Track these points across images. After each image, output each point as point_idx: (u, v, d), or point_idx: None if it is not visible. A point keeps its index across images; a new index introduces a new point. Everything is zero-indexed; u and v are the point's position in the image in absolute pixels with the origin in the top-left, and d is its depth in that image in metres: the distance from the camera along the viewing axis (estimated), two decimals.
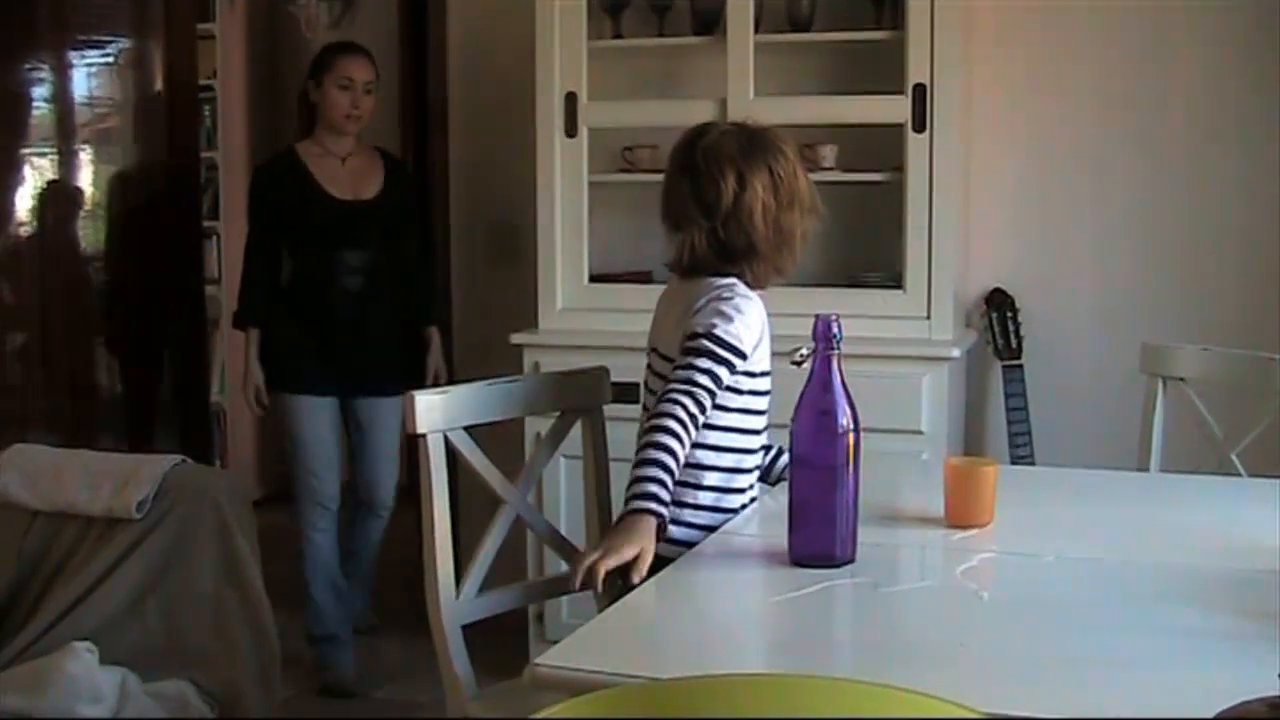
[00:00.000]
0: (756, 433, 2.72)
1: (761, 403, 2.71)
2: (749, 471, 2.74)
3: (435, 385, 4.21)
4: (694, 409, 2.49)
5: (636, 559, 2.27)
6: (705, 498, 2.69)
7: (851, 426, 2.28)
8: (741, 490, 2.73)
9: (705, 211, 2.65)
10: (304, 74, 4.50)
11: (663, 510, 2.38)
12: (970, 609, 2.12)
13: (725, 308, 2.59)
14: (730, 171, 2.63)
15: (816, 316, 2.29)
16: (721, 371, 2.54)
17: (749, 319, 2.60)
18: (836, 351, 2.27)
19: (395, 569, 4.71)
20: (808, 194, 2.69)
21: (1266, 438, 3.21)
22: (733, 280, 2.66)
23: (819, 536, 2.27)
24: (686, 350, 2.55)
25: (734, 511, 2.69)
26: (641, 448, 2.45)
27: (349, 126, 4.38)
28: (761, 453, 2.78)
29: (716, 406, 2.59)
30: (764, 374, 2.69)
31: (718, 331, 2.55)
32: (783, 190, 2.64)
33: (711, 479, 2.68)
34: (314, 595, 4.41)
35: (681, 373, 2.52)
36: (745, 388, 2.64)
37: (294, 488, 4.53)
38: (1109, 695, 1.72)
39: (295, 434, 4.42)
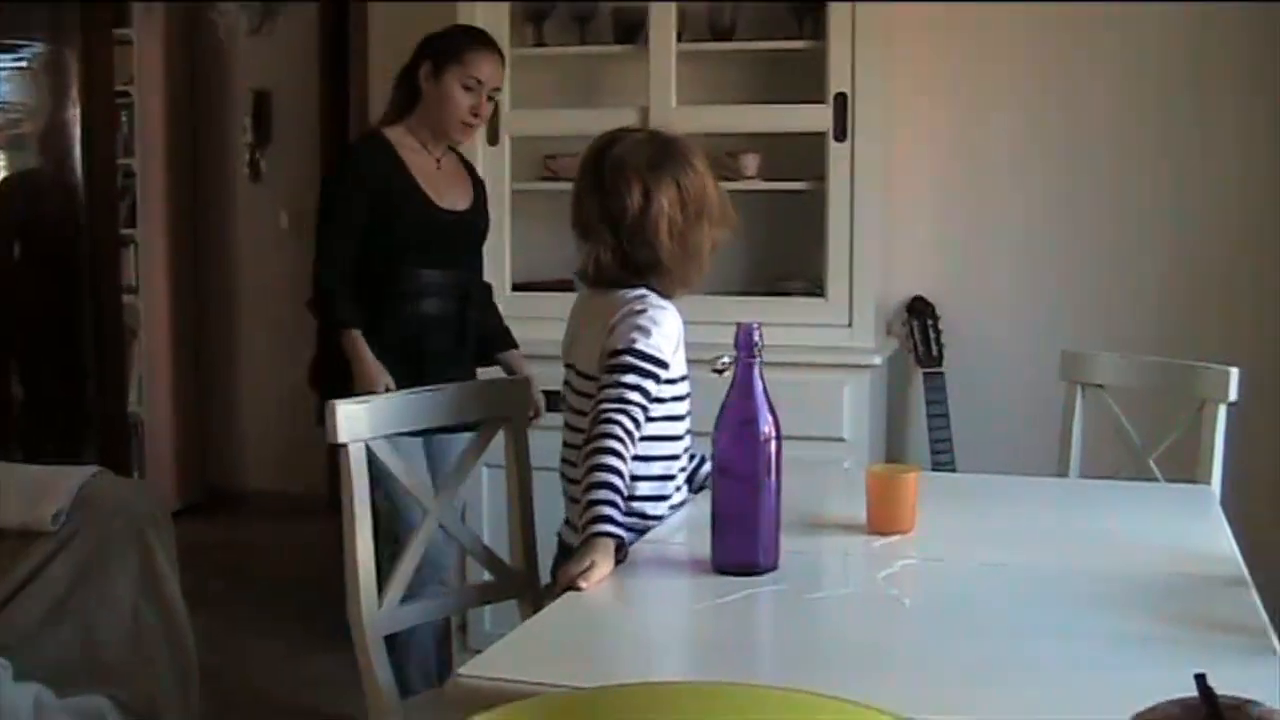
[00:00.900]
0: (679, 438, 2.72)
1: (682, 407, 2.71)
2: (675, 477, 2.74)
3: (535, 418, 3.43)
4: (630, 425, 2.49)
5: (590, 568, 2.24)
6: (635, 506, 2.68)
7: (773, 435, 2.28)
8: (668, 497, 2.72)
9: (610, 225, 2.65)
10: (408, 53, 3.80)
11: (620, 532, 2.37)
12: (892, 615, 2.13)
13: (642, 321, 2.59)
14: (636, 185, 2.61)
15: (738, 325, 2.29)
16: (648, 385, 2.54)
17: (665, 329, 2.60)
18: (758, 360, 2.28)
19: (317, 580, 4.67)
20: (716, 205, 2.68)
21: (1183, 443, 3.25)
22: (643, 291, 2.66)
23: (742, 545, 2.27)
24: (611, 368, 2.55)
25: (660, 519, 2.69)
26: (587, 471, 2.44)
27: (462, 135, 3.77)
28: (686, 457, 2.78)
29: (670, 398, 2.63)
30: (682, 378, 2.69)
31: (639, 346, 2.55)
32: (689, 204, 2.63)
33: (643, 489, 2.68)
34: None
35: (610, 391, 2.52)
36: (666, 395, 2.64)
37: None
38: (1028, 699, 1.73)
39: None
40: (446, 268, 3.68)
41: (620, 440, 2.46)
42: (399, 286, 3.63)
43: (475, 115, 3.68)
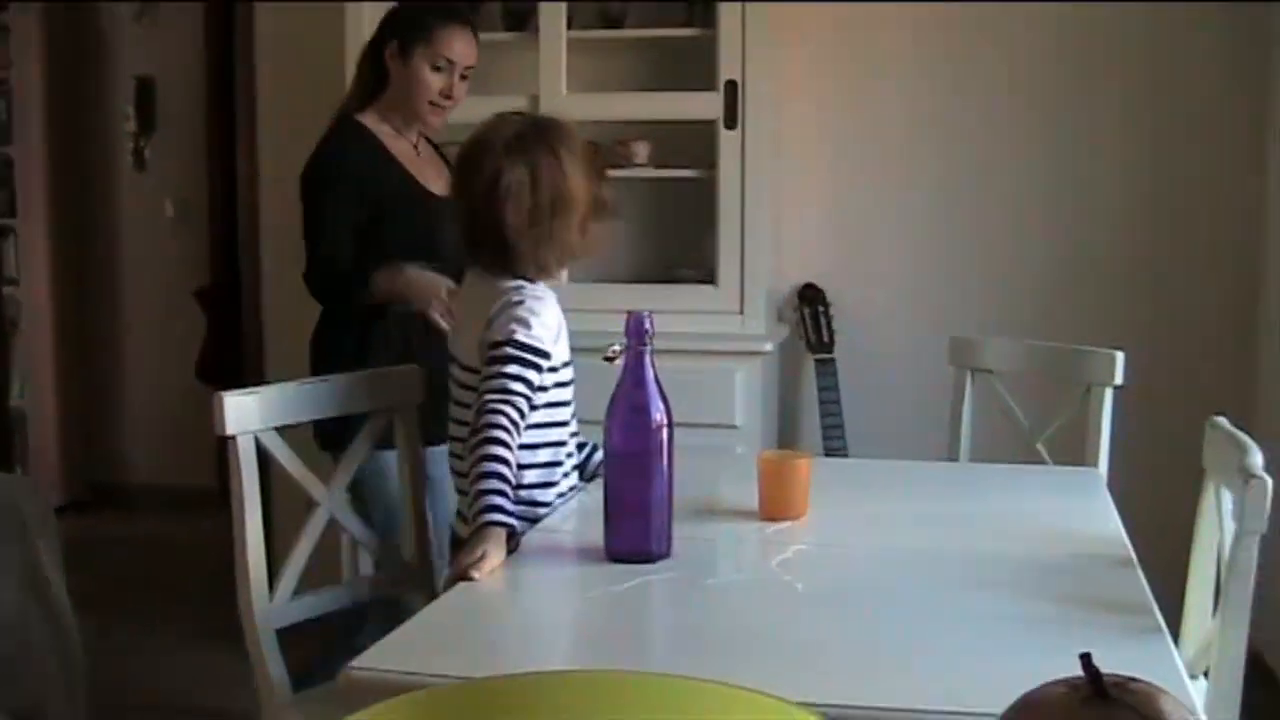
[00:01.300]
0: (564, 424, 2.72)
1: (566, 394, 2.70)
2: (563, 464, 2.74)
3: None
4: (514, 415, 2.48)
5: (482, 558, 2.23)
6: (524, 495, 2.67)
7: (665, 422, 2.28)
8: (556, 484, 2.72)
9: (465, 197, 2.66)
10: (371, 32, 3.54)
11: (511, 520, 2.37)
12: (784, 601, 2.14)
13: (520, 312, 2.58)
14: (488, 164, 2.61)
15: (629, 313, 2.29)
16: (530, 374, 2.53)
17: (544, 319, 2.60)
18: (649, 347, 2.28)
19: (207, 574, 4.61)
20: (580, 197, 2.63)
21: (1070, 426, 3.30)
22: (519, 283, 2.65)
23: (634, 532, 2.28)
24: (492, 360, 2.54)
25: (550, 506, 2.69)
26: (475, 463, 2.43)
27: (433, 118, 3.46)
28: (573, 442, 2.78)
29: (555, 385, 2.63)
30: (565, 365, 2.69)
31: (519, 337, 2.55)
32: (542, 189, 2.60)
33: (530, 477, 2.67)
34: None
35: (493, 383, 2.51)
36: (549, 383, 2.64)
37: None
38: (917, 682, 1.75)
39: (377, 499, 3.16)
40: (440, 259, 3.23)
41: (506, 430, 2.45)
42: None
43: (447, 98, 3.42)
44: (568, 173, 2.63)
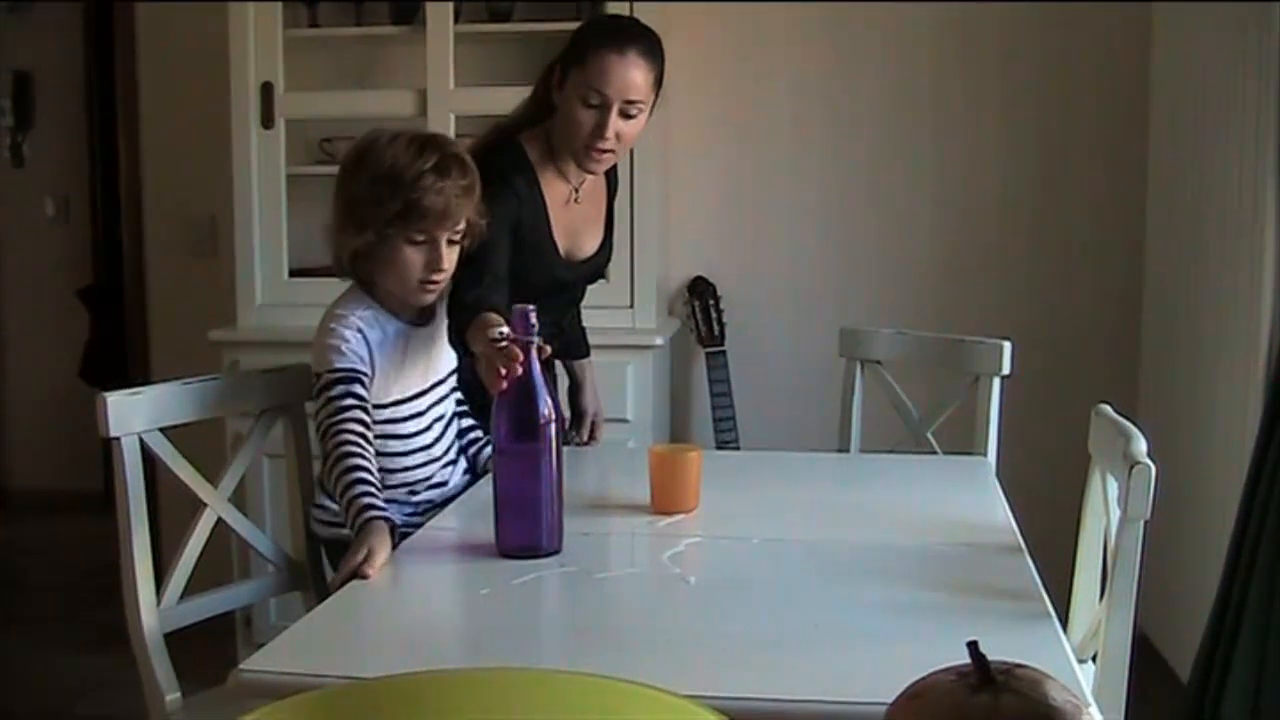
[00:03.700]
0: (428, 430, 2.74)
1: (408, 427, 2.71)
2: (439, 460, 2.75)
3: (595, 435, 3.24)
4: (355, 427, 2.51)
5: (369, 555, 2.22)
6: (405, 495, 2.69)
7: (552, 417, 2.27)
8: (430, 477, 2.74)
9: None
10: None
11: (388, 514, 2.38)
12: (676, 594, 2.14)
13: (328, 340, 2.60)
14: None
15: (514, 307, 2.27)
16: (355, 389, 2.55)
17: (350, 346, 2.59)
18: (535, 342, 2.26)
19: (91, 578, 4.54)
20: (367, 215, 2.57)
21: (959, 416, 3.34)
22: (341, 299, 2.67)
23: (524, 528, 2.27)
24: (316, 392, 2.59)
25: (433, 503, 2.70)
26: (336, 478, 2.46)
27: (589, 163, 2.87)
28: (446, 438, 2.77)
29: (384, 420, 2.64)
30: (405, 399, 2.69)
31: (325, 372, 2.57)
32: (339, 205, 2.64)
33: (405, 478, 2.70)
34: None
35: (324, 409, 2.55)
36: (382, 417, 2.65)
37: None
38: (809, 672, 1.76)
39: None
40: (551, 312, 2.88)
41: (352, 443, 2.49)
42: None
43: (600, 139, 2.79)
44: (365, 190, 2.59)
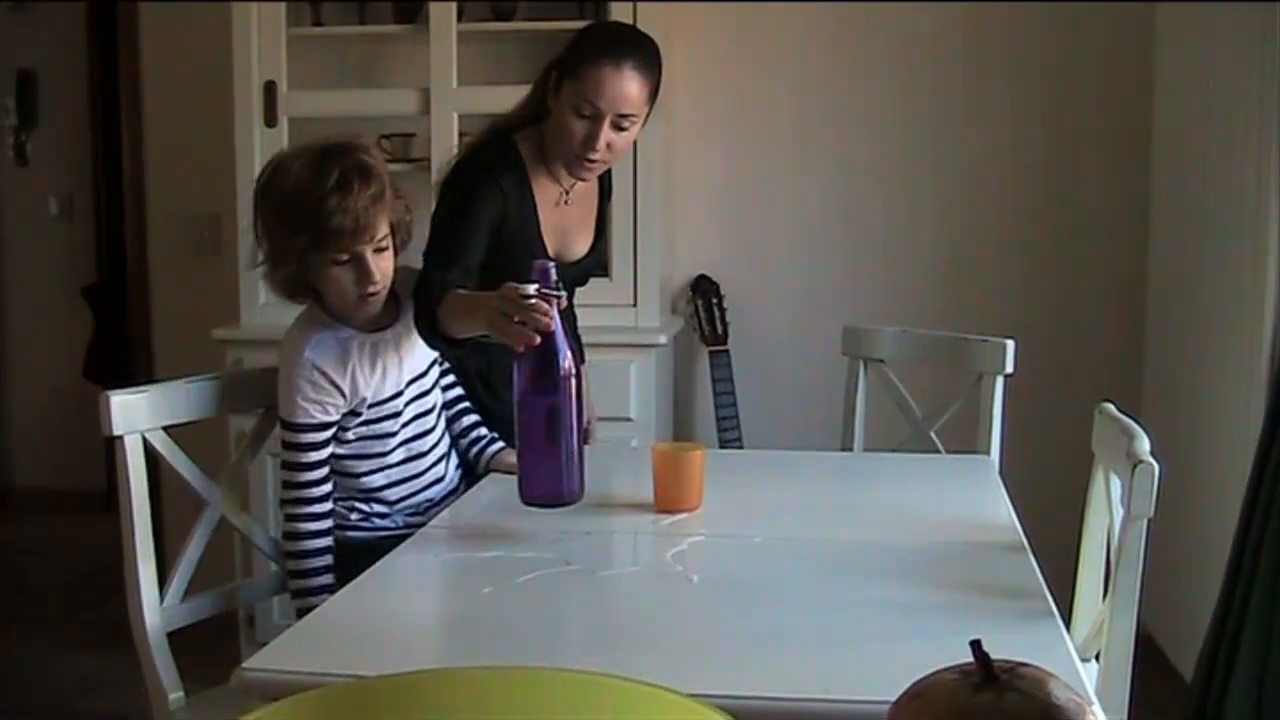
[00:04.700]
0: (408, 425, 2.74)
1: (391, 409, 2.71)
2: (425, 455, 2.76)
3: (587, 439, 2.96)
4: (306, 494, 2.62)
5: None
6: (399, 505, 2.71)
7: (572, 371, 2.26)
8: (421, 473, 2.76)
9: None
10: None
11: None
12: (680, 592, 2.14)
13: (282, 384, 2.63)
14: None
15: (534, 262, 2.27)
16: (308, 451, 2.62)
17: (303, 394, 2.60)
18: (557, 295, 2.25)
19: (94, 577, 4.54)
20: (285, 246, 2.58)
21: (962, 415, 3.33)
22: (294, 325, 2.68)
23: (547, 476, 2.27)
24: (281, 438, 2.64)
25: (432, 501, 2.73)
26: (291, 556, 2.63)
27: (578, 171, 2.86)
28: (435, 433, 2.78)
29: (362, 423, 2.66)
30: (381, 401, 2.69)
31: (285, 416, 2.62)
32: (259, 237, 2.64)
33: (394, 493, 2.73)
34: None
35: (283, 462, 2.63)
36: (363, 419, 2.66)
37: None
38: (812, 671, 1.76)
39: None
40: None
41: (300, 521, 2.63)
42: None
43: (591, 149, 2.77)
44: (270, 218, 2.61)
